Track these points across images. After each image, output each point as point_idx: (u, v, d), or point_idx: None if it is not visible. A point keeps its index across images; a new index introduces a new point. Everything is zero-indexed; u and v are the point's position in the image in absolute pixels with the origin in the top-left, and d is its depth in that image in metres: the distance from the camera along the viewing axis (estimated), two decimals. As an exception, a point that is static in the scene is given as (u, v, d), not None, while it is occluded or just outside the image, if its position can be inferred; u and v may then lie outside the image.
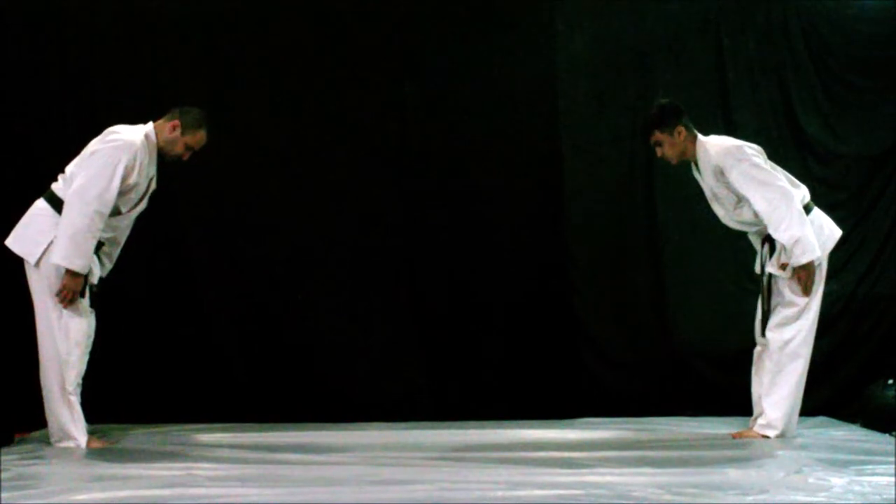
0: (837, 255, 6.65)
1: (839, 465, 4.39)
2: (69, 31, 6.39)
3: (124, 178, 5.11)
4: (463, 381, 6.45)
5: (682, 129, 5.43)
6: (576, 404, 6.32)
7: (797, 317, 5.36)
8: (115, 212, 5.21)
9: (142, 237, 6.33)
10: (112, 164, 5.10)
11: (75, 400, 5.22)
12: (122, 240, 5.42)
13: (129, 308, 6.28)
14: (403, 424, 6.06)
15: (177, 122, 5.27)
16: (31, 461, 4.73)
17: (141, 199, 5.29)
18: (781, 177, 5.36)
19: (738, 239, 6.68)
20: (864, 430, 5.76)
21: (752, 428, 5.42)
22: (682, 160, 5.51)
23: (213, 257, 6.41)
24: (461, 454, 4.90)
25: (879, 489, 3.88)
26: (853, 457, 4.66)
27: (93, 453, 5.07)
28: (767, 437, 5.31)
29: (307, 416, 6.12)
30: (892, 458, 4.53)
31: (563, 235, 6.56)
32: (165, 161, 5.33)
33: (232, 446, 5.27)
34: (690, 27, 6.67)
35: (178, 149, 5.30)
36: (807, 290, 5.34)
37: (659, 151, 5.51)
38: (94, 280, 5.28)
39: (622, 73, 6.67)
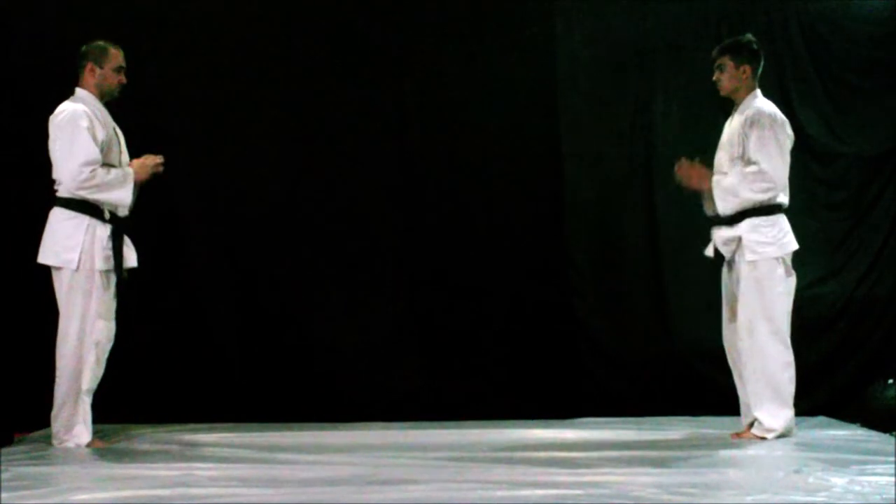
0: (837, 256, 6.67)
1: (839, 465, 4.38)
2: (69, 31, 6.39)
3: (94, 136, 5.20)
4: (463, 381, 6.45)
5: (748, 69, 5.41)
6: (576, 404, 6.32)
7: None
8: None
9: (142, 238, 6.34)
10: (71, 130, 5.20)
11: (88, 401, 5.25)
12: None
13: (130, 308, 6.28)
14: (403, 424, 6.06)
15: (88, 64, 5.34)
16: (31, 461, 4.73)
17: (120, 152, 5.35)
18: (782, 167, 5.32)
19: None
20: (864, 430, 5.76)
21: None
22: (729, 95, 5.46)
23: (212, 257, 6.42)
24: (461, 454, 4.89)
25: (879, 489, 3.88)
26: (853, 457, 4.66)
27: (93, 453, 5.07)
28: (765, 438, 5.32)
29: (307, 416, 6.12)
30: (892, 458, 4.53)
31: (562, 235, 6.56)
32: (116, 98, 5.40)
33: (232, 446, 5.27)
34: (690, 27, 6.68)
35: (111, 80, 5.36)
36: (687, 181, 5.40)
37: (716, 75, 5.46)
38: (131, 264, 5.31)
39: (622, 73, 6.68)
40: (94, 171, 5.18)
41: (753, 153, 5.32)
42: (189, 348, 6.35)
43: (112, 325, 5.32)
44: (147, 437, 5.54)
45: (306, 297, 6.44)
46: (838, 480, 4.03)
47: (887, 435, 5.51)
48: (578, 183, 6.57)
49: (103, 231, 5.25)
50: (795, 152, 6.62)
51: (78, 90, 5.37)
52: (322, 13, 6.51)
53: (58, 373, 5.25)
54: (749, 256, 5.30)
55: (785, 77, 6.67)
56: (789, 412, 5.31)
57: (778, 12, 6.69)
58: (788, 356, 5.31)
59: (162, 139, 6.30)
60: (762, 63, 5.49)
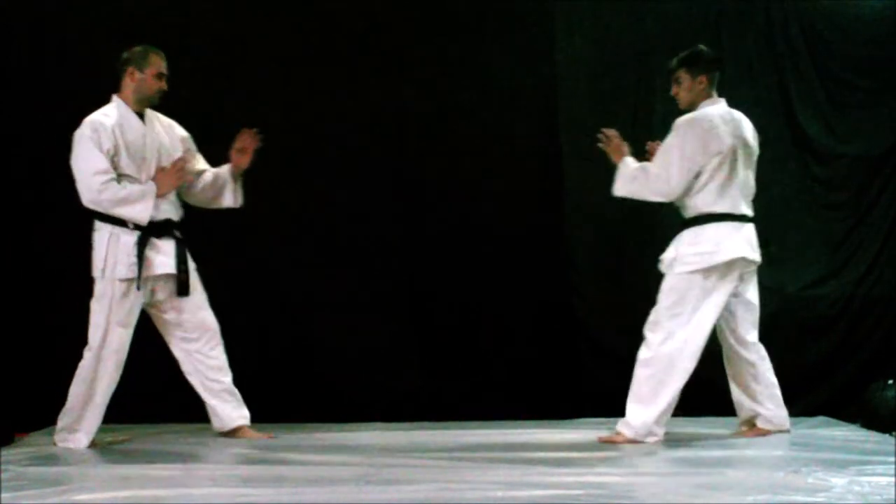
0: (837, 256, 6.67)
1: (839, 465, 4.39)
2: (70, 31, 6.40)
3: (99, 146, 5.20)
4: (463, 381, 6.45)
5: (704, 79, 5.42)
6: (576, 404, 6.32)
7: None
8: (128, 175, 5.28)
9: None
10: (81, 142, 5.24)
11: (99, 410, 5.29)
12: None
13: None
14: (403, 424, 6.06)
15: (129, 68, 5.35)
16: (31, 461, 4.73)
17: (143, 160, 5.31)
18: (678, 175, 5.29)
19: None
20: (864, 430, 5.76)
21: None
22: (688, 108, 5.45)
23: (212, 258, 6.40)
24: (461, 454, 4.89)
25: (879, 489, 3.88)
26: (853, 457, 4.66)
27: (93, 453, 5.07)
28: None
29: (307, 416, 6.12)
30: (892, 458, 4.53)
31: (563, 235, 6.56)
32: (155, 104, 5.41)
33: (232, 446, 5.27)
34: (690, 27, 6.67)
35: (151, 86, 5.36)
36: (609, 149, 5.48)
37: (675, 89, 5.47)
38: (157, 272, 5.32)
39: (622, 73, 6.68)
40: (105, 182, 5.19)
41: (657, 155, 5.37)
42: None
43: (128, 332, 5.32)
44: (147, 438, 5.54)
45: (306, 298, 6.43)
46: (838, 480, 4.03)
47: (887, 435, 5.51)
48: (578, 183, 6.56)
49: (128, 238, 5.26)
50: (795, 152, 6.68)
51: (114, 97, 5.37)
52: (321, 14, 6.51)
53: (75, 374, 5.29)
54: (680, 268, 5.32)
55: (785, 77, 6.67)
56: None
57: (778, 12, 6.69)
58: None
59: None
60: (719, 70, 5.48)
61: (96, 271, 5.27)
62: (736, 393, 5.54)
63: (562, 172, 6.57)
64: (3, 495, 3.82)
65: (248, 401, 6.31)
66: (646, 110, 6.65)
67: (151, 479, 4.19)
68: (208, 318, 5.52)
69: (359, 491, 4.02)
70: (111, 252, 5.24)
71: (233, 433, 5.56)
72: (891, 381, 6.12)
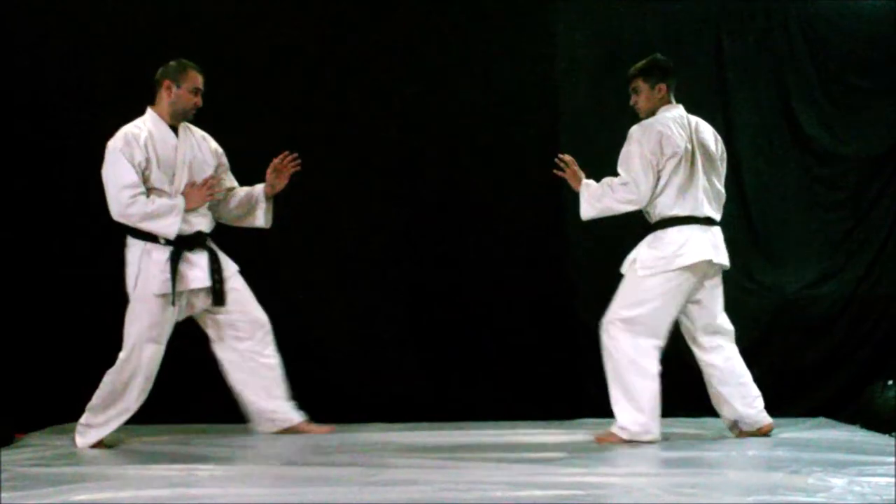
0: (837, 256, 6.67)
1: (839, 466, 4.39)
2: (70, 31, 6.40)
3: (131, 160, 5.19)
4: (463, 381, 6.45)
5: (663, 87, 5.44)
6: (576, 405, 6.32)
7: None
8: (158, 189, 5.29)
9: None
10: (114, 159, 5.22)
11: (120, 419, 5.32)
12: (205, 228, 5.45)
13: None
14: (403, 424, 6.06)
15: (166, 81, 5.36)
16: (31, 461, 4.74)
17: (172, 175, 5.31)
18: (644, 181, 5.30)
19: (737, 240, 6.69)
20: (864, 430, 5.76)
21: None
22: (648, 116, 5.47)
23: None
24: (461, 454, 4.90)
25: (879, 490, 3.88)
26: (853, 457, 4.66)
27: (93, 453, 5.07)
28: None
29: (307, 416, 6.11)
30: (892, 459, 4.53)
31: (563, 235, 6.55)
32: (189, 118, 5.43)
33: (232, 446, 5.27)
34: (690, 27, 6.67)
35: (187, 101, 5.37)
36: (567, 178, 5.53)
37: (633, 99, 5.51)
38: (192, 286, 5.33)
39: (622, 73, 6.66)
40: (133, 197, 5.19)
41: (619, 165, 5.38)
42: (190, 349, 6.33)
43: (159, 348, 5.35)
44: (147, 438, 5.54)
45: (307, 298, 6.43)
46: (838, 481, 4.03)
47: (887, 436, 5.51)
48: (579, 183, 6.56)
49: (160, 254, 5.27)
50: (795, 152, 6.68)
51: (148, 109, 5.38)
52: (321, 14, 6.51)
53: (105, 377, 5.32)
54: (639, 271, 5.34)
55: (785, 77, 6.67)
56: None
57: (778, 12, 6.69)
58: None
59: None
60: (673, 74, 5.49)
61: (129, 287, 5.30)
62: (712, 397, 5.54)
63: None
64: (3, 495, 3.83)
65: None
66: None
67: (151, 479, 4.19)
68: (259, 315, 5.54)
69: (359, 491, 4.02)
70: (144, 268, 5.26)
71: (293, 430, 5.61)
72: (891, 382, 6.12)
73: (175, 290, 5.25)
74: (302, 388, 6.34)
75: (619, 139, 6.63)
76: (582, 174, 5.53)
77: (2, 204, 6.28)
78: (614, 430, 5.33)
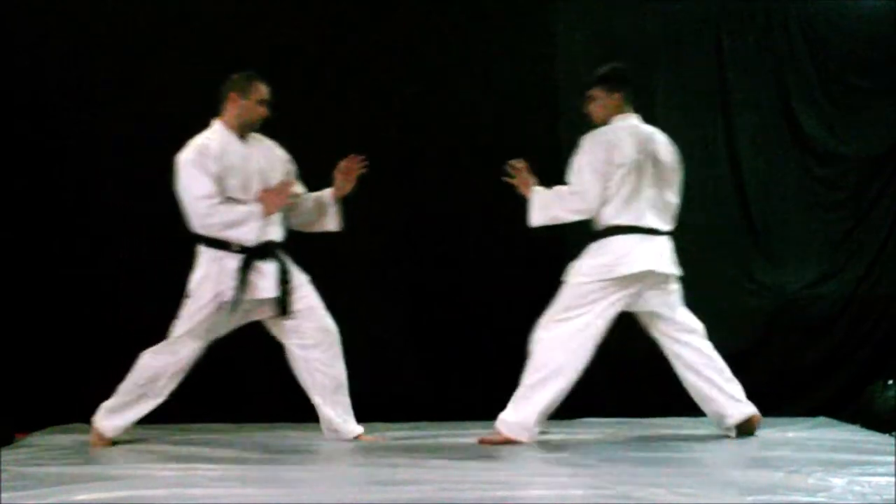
0: (837, 256, 6.67)
1: (839, 466, 4.38)
2: (70, 31, 6.40)
3: (205, 170, 5.21)
4: (463, 381, 6.45)
5: (618, 96, 5.43)
6: (576, 405, 6.31)
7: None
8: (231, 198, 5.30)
9: (142, 239, 6.34)
10: (188, 172, 5.22)
11: (145, 406, 5.33)
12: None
13: (130, 309, 6.29)
14: (403, 424, 6.06)
15: (232, 94, 5.36)
16: (31, 461, 4.73)
17: (244, 183, 5.32)
18: (593, 190, 5.29)
19: (737, 239, 6.70)
20: (864, 430, 5.76)
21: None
22: (602, 124, 5.44)
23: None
24: (461, 454, 4.90)
25: (879, 489, 3.88)
26: (853, 457, 4.66)
27: (93, 453, 5.07)
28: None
29: (307, 417, 6.11)
30: (892, 459, 4.53)
31: (563, 235, 6.54)
32: (256, 129, 5.43)
33: (232, 446, 5.27)
34: (690, 27, 6.68)
35: (253, 112, 5.38)
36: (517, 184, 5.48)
37: (590, 106, 5.49)
38: (259, 296, 5.31)
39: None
40: (212, 206, 5.20)
41: (569, 175, 5.36)
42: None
43: (201, 347, 5.37)
44: (148, 438, 5.53)
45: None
46: (838, 481, 4.02)
47: (887, 435, 5.51)
48: (578, 183, 6.56)
49: (231, 262, 5.26)
50: (795, 152, 6.68)
51: (215, 121, 5.39)
52: (321, 14, 6.50)
53: (136, 363, 5.33)
54: (578, 278, 5.35)
55: (785, 77, 6.67)
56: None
57: (778, 12, 6.69)
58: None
59: (162, 141, 6.30)
60: (629, 83, 5.48)
61: (191, 288, 5.30)
62: (695, 393, 5.51)
63: (562, 172, 6.55)
64: (3, 495, 3.82)
65: (250, 401, 6.33)
66: (646, 110, 6.64)
67: (151, 479, 4.19)
68: (327, 322, 5.52)
69: (359, 491, 4.02)
70: (213, 275, 5.25)
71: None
72: (891, 382, 6.13)
73: (239, 299, 5.24)
74: (302, 388, 6.35)
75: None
76: (533, 180, 5.49)
77: (2, 204, 6.28)
78: (498, 424, 5.29)
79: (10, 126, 6.28)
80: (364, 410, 6.22)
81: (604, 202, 5.31)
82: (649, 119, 6.63)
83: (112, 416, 5.32)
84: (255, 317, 5.45)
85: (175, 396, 6.24)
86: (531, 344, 5.38)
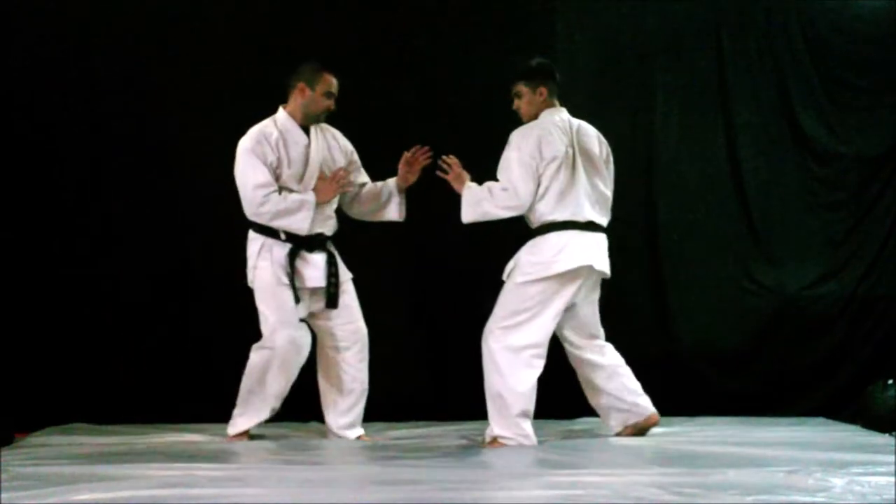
0: (837, 256, 6.67)
1: (839, 465, 4.38)
2: (70, 31, 6.40)
3: (263, 159, 5.24)
4: (464, 381, 6.43)
5: (544, 90, 5.42)
6: (577, 405, 6.31)
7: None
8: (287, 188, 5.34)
9: (142, 239, 6.34)
10: (246, 159, 5.27)
11: (264, 406, 5.42)
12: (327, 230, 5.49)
13: (130, 309, 6.29)
14: (403, 424, 6.06)
15: (300, 83, 5.39)
16: (31, 461, 4.73)
17: (302, 173, 5.34)
18: (524, 186, 5.25)
19: (737, 239, 6.69)
20: (864, 430, 5.76)
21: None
22: (531, 120, 5.44)
23: (214, 257, 6.41)
24: (461, 454, 4.89)
25: (879, 489, 3.88)
26: (853, 457, 4.65)
27: (93, 453, 5.07)
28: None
29: (307, 417, 6.12)
30: (892, 458, 4.53)
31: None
32: (321, 120, 5.48)
33: (232, 446, 5.27)
34: (690, 27, 6.68)
35: (319, 104, 5.42)
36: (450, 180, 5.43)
37: (516, 104, 5.47)
38: (308, 285, 5.36)
39: (622, 73, 6.67)
40: (266, 195, 5.24)
41: (498, 171, 5.33)
42: (190, 349, 6.34)
43: (297, 334, 5.37)
44: (147, 437, 5.54)
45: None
46: (838, 481, 4.02)
47: (887, 435, 5.51)
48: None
49: (280, 250, 5.31)
50: (795, 152, 6.68)
51: (280, 109, 5.42)
52: (321, 14, 6.50)
53: (256, 363, 5.42)
54: (518, 278, 5.31)
55: (785, 77, 6.68)
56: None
57: (778, 12, 6.69)
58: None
59: (162, 141, 6.31)
60: (554, 76, 5.47)
61: (249, 280, 5.37)
62: (593, 396, 5.55)
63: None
64: (3, 495, 3.82)
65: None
66: (646, 111, 6.66)
67: (151, 479, 4.19)
68: (361, 325, 5.56)
69: (359, 491, 4.02)
70: (262, 263, 5.31)
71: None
72: (891, 382, 6.12)
73: (294, 285, 5.28)
74: (302, 387, 6.35)
75: (620, 139, 6.66)
76: (467, 176, 5.46)
77: (2, 204, 6.28)
78: (492, 436, 5.26)
79: (9, 126, 6.28)
80: (364, 410, 6.23)
81: (537, 198, 5.27)
82: (649, 119, 6.66)
83: (235, 423, 5.42)
84: (314, 307, 5.45)
85: (175, 396, 6.27)
86: (483, 352, 5.35)
